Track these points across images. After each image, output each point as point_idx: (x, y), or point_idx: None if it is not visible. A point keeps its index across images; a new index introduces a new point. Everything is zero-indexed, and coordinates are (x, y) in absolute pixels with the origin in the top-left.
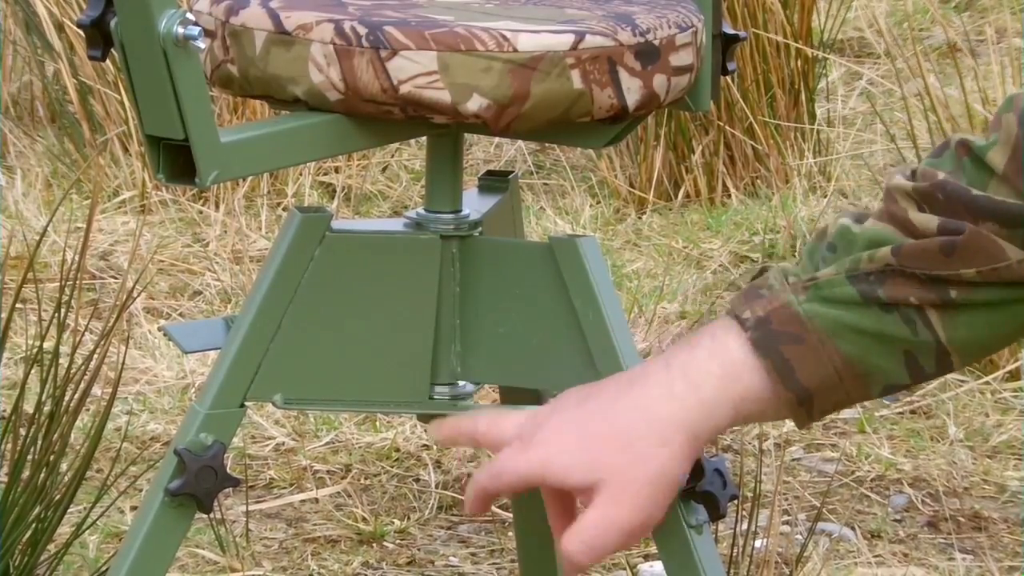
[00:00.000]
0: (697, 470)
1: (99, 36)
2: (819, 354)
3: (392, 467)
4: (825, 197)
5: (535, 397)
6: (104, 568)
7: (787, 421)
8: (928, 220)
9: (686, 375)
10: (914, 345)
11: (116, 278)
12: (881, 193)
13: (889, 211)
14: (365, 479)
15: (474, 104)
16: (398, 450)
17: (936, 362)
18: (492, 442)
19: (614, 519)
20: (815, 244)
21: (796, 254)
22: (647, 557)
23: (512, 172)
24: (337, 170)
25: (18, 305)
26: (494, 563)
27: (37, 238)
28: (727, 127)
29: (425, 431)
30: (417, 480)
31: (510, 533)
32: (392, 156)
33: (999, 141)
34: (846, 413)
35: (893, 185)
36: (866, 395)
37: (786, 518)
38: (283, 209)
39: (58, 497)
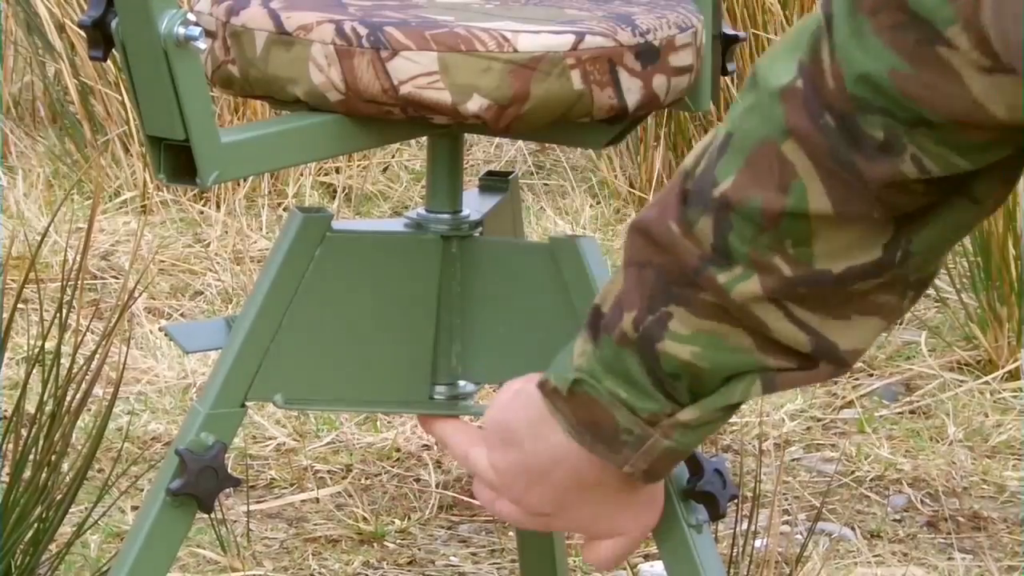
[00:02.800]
0: (697, 469)
1: (100, 36)
2: (682, 456)
3: (393, 467)
4: None
5: None
6: (105, 568)
7: (787, 422)
8: (797, 335)
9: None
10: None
11: (117, 278)
12: None
13: (713, 309)
14: (366, 479)
15: (474, 104)
16: (399, 450)
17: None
18: (470, 468)
19: (625, 545)
20: (635, 364)
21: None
22: (647, 557)
23: (512, 172)
24: (338, 170)
25: (20, 305)
26: (494, 563)
27: (38, 238)
28: None
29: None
30: (417, 480)
31: (510, 533)
32: (392, 156)
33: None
34: (846, 413)
35: (732, 291)
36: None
37: (786, 518)
38: (284, 209)
39: (59, 497)
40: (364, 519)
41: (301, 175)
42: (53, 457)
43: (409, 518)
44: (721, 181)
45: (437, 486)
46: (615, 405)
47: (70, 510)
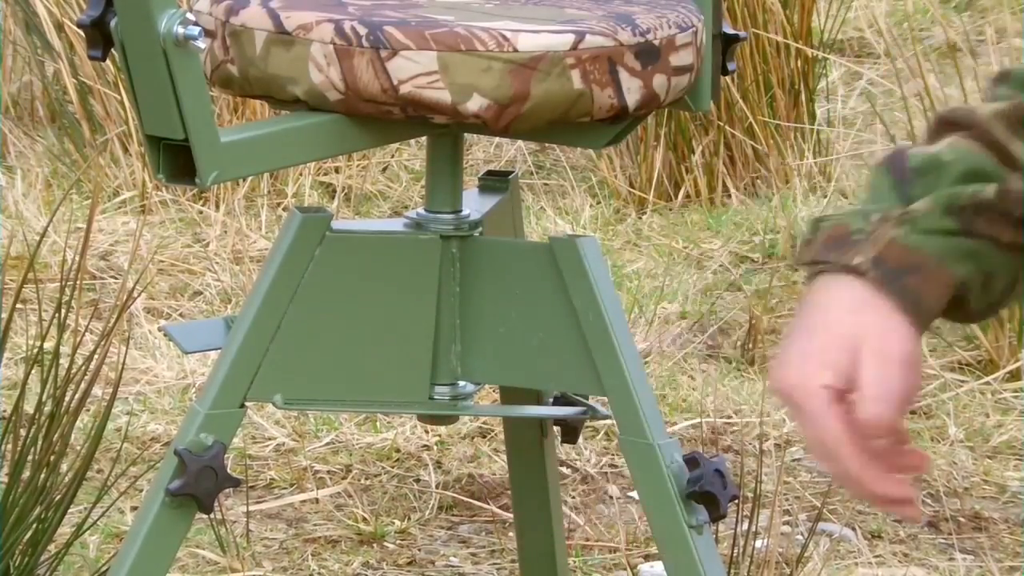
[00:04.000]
0: (697, 469)
1: (99, 36)
2: (941, 277)
3: (392, 467)
4: (825, 197)
5: (535, 397)
6: (104, 568)
7: (788, 422)
8: None
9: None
10: (1000, 268)
11: (116, 278)
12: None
13: (980, 134)
14: (365, 479)
15: (474, 104)
16: (398, 450)
17: (1008, 285)
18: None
19: (885, 364)
20: (882, 175)
21: (796, 254)
22: (647, 557)
23: (512, 172)
24: (337, 170)
25: (18, 305)
26: (494, 563)
27: (37, 238)
28: (727, 127)
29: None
30: (417, 480)
31: (510, 533)
32: (392, 156)
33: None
34: None
35: (978, 111)
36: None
37: (787, 518)
38: (283, 209)
39: (58, 497)
40: (364, 519)
41: (301, 175)
42: (52, 457)
43: (409, 518)
44: None
45: (437, 486)
46: (851, 216)
47: (69, 510)
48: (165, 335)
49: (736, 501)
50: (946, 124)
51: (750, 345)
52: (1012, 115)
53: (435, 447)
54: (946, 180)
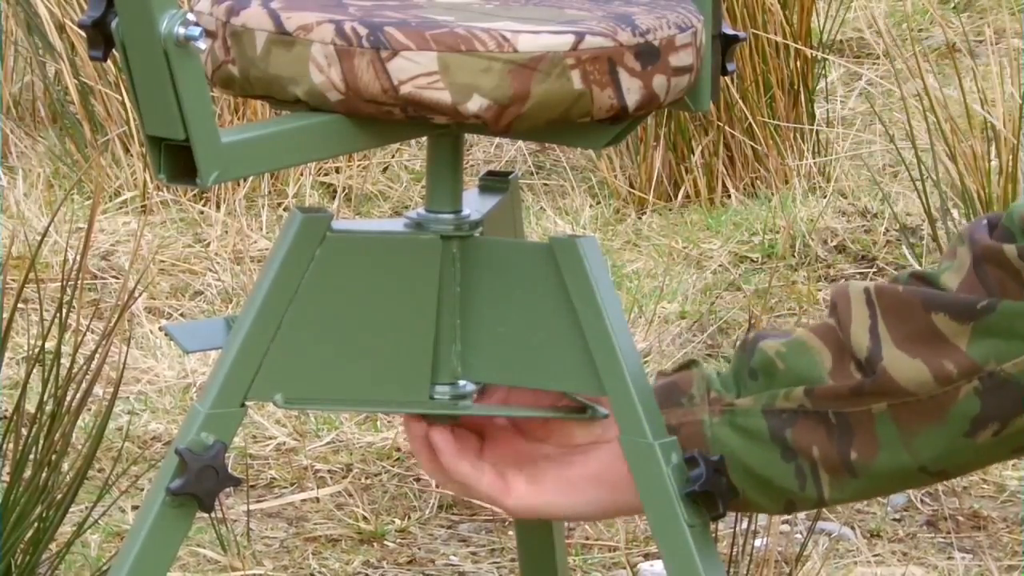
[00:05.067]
0: (697, 469)
1: (100, 36)
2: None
3: (393, 467)
4: (825, 197)
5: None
6: (105, 567)
7: None
8: (862, 342)
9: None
10: (797, 496)
11: (117, 278)
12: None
13: (824, 329)
14: (366, 479)
15: (474, 104)
16: (399, 450)
17: (809, 509)
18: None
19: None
20: (742, 358)
21: (795, 255)
22: (647, 556)
23: (512, 172)
24: (338, 170)
25: (20, 305)
26: (494, 563)
27: (39, 238)
28: (727, 127)
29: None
30: (417, 480)
31: (510, 533)
32: (392, 156)
33: (952, 268)
34: None
35: (853, 284)
36: (742, 509)
37: (786, 517)
38: (284, 209)
39: (60, 496)
40: (364, 519)
41: (301, 175)
42: (53, 457)
43: (409, 518)
44: None
45: (437, 486)
46: (700, 379)
47: (70, 510)
48: (166, 335)
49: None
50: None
51: None
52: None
53: None
54: (774, 381)
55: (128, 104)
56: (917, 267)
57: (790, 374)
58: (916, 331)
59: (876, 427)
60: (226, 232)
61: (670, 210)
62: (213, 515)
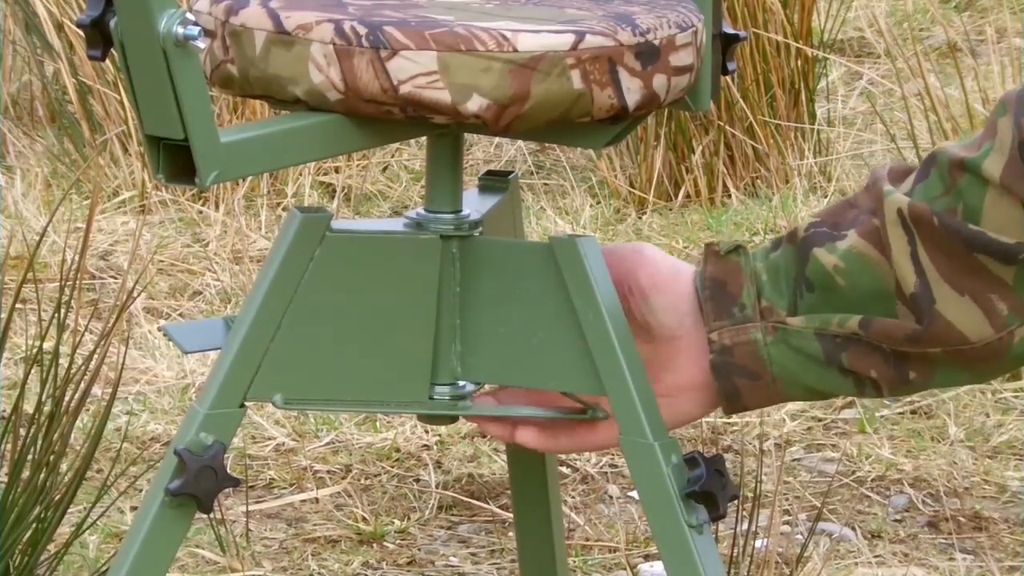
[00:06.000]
0: (697, 469)
1: (99, 36)
2: (769, 391)
3: (392, 467)
4: (825, 197)
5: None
6: (104, 568)
7: (788, 422)
8: (908, 273)
9: None
10: (857, 396)
11: (116, 278)
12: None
13: (876, 235)
14: (365, 479)
15: (474, 104)
16: (398, 450)
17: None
18: None
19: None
20: (794, 260)
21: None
22: (647, 557)
23: (512, 172)
24: (337, 170)
25: (18, 305)
26: (494, 563)
27: (37, 238)
28: (727, 127)
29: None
30: (417, 480)
31: (510, 533)
32: (392, 156)
33: (994, 148)
34: (847, 413)
35: (888, 199)
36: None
37: (786, 518)
38: (283, 209)
39: (58, 497)
40: (364, 519)
41: (300, 175)
42: (52, 457)
43: (409, 518)
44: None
45: (437, 486)
46: (751, 280)
47: (69, 510)
48: (165, 335)
49: (736, 501)
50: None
51: None
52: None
53: (435, 447)
54: (830, 305)
55: (127, 104)
56: (947, 145)
57: (849, 296)
58: (961, 267)
59: (933, 362)
60: (225, 232)
61: (670, 210)
62: (212, 516)
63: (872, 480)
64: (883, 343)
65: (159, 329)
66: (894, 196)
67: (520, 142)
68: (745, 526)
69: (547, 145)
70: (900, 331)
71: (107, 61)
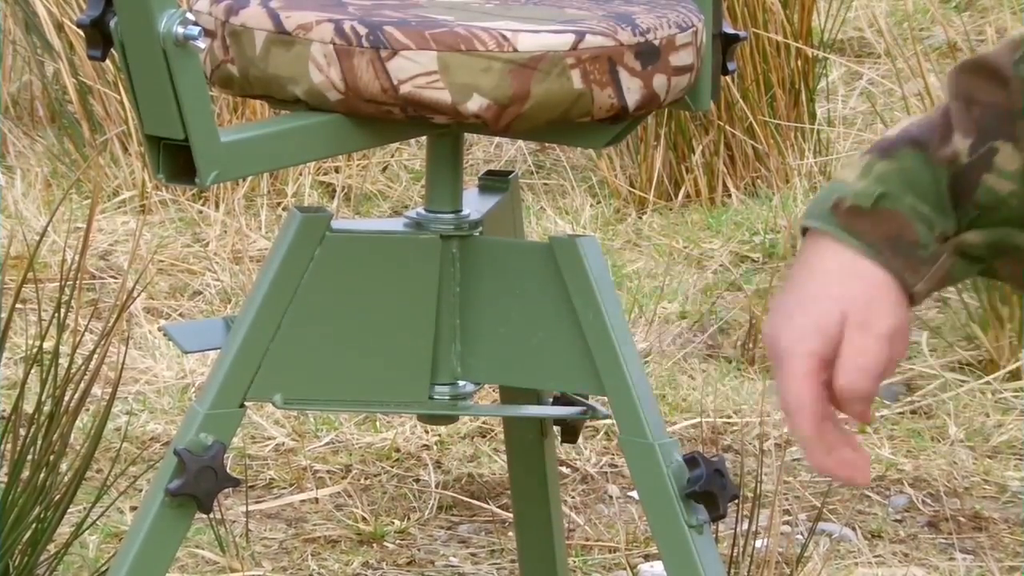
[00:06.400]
0: (697, 469)
1: (99, 36)
2: (946, 284)
3: (392, 467)
4: None
5: (535, 397)
6: (104, 568)
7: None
8: None
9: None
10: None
11: (116, 278)
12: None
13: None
14: (365, 479)
15: (474, 104)
16: (398, 450)
17: None
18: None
19: (867, 335)
20: (942, 176)
21: (796, 254)
22: (647, 557)
23: (512, 172)
24: (337, 170)
25: (18, 305)
26: (494, 563)
27: (37, 238)
28: (727, 127)
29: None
30: (417, 480)
31: (510, 533)
32: (392, 156)
33: None
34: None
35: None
36: None
37: (786, 518)
38: (283, 209)
39: (58, 497)
40: (363, 519)
41: (300, 175)
42: (51, 457)
43: (409, 518)
44: None
45: (437, 486)
46: (917, 219)
47: (68, 510)
48: (165, 335)
49: (736, 501)
50: (977, 81)
51: (750, 345)
52: None
53: (435, 447)
54: (1001, 222)
55: (127, 103)
56: None
57: (1019, 212)
58: None
59: None
60: (225, 232)
61: (670, 210)
62: (212, 516)
63: (872, 480)
64: None
65: (159, 329)
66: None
67: (520, 142)
68: (745, 526)
69: (547, 145)
70: None
71: (107, 61)
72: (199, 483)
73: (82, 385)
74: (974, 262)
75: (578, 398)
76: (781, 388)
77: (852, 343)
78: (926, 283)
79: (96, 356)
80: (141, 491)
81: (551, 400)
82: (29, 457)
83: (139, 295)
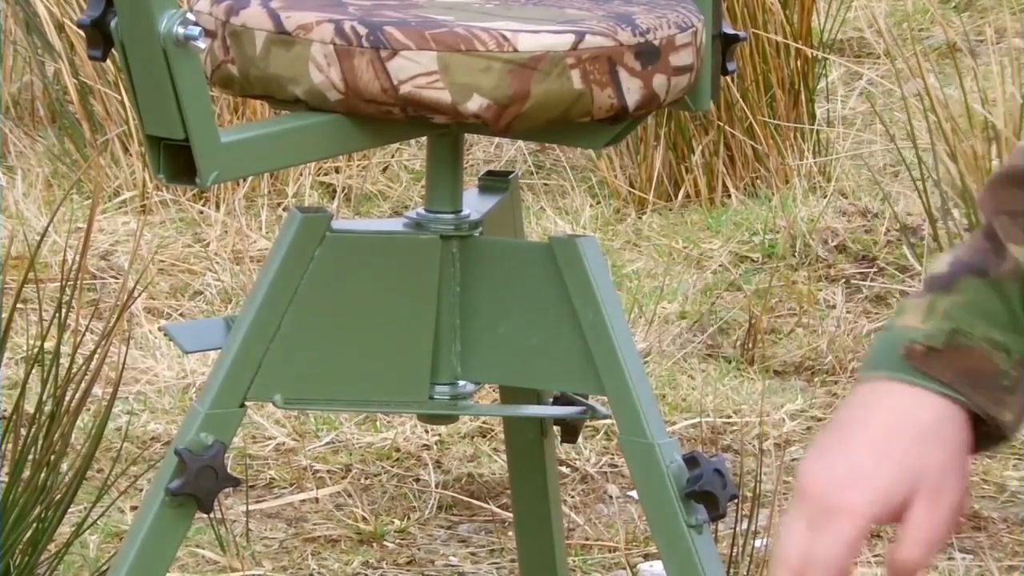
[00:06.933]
0: (696, 468)
1: (99, 36)
2: None
3: (392, 467)
4: (825, 197)
5: (535, 397)
6: (104, 568)
7: (787, 422)
8: None
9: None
10: None
11: (117, 278)
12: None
13: None
14: (365, 479)
15: (474, 104)
16: (398, 450)
17: None
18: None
19: (938, 508)
20: (1012, 288)
21: (795, 254)
22: (647, 557)
23: (512, 172)
24: (337, 170)
25: (19, 305)
26: (494, 563)
27: (38, 238)
28: (727, 127)
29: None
30: (417, 480)
31: (510, 533)
32: (392, 156)
33: None
34: None
35: None
36: None
37: None
38: (283, 209)
39: (59, 497)
40: (364, 519)
41: (301, 175)
42: (52, 457)
43: (409, 518)
44: None
45: (437, 486)
46: (994, 347)
47: (69, 510)
48: (165, 335)
49: (735, 500)
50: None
51: (750, 345)
52: None
53: (435, 447)
54: None
55: (127, 104)
56: None
57: None
58: None
59: None
60: (226, 232)
61: (670, 210)
62: (212, 515)
63: None
64: None
65: (160, 329)
66: None
67: (520, 142)
68: (744, 526)
69: (547, 145)
70: None
71: (108, 61)
72: (199, 483)
73: (83, 385)
74: None
75: (578, 398)
76: (817, 542)
77: (922, 517)
78: (1013, 411)
79: (97, 356)
80: (142, 491)
81: (551, 400)
82: (30, 457)
83: (140, 295)
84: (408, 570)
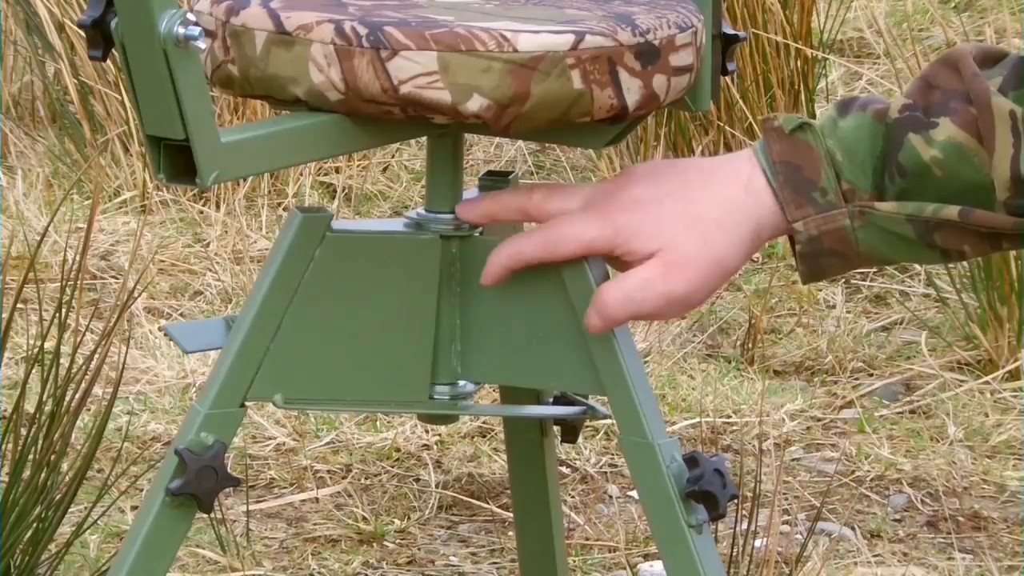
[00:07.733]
0: (696, 468)
1: (100, 36)
2: (851, 265)
3: (392, 467)
4: None
5: (535, 397)
6: (105, 568)
7: (787, 421)
8: (1003, 172)
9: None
10: (941, 263)
11: (117, 278)
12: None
13: (974, 126)
14: (365, 479)
15: (474, 104)
16: (398, 450)
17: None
18: (548, 212)
19: (661, 282)
20: (882, 142)
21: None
22: (647, 557)
23: (512, 172)
24: (337, 170)
25: (19, 305)
26: (494, 563)
27: (38, 238)
28: (727, 127)
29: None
30: (417, 480)
31: (510, 533)
32: (392, 156)
33: None
34: (846, 413)
35: (996, 100)
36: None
37: (786, 518)
38: (284, 209)
39: (59, 497)
40: (364, 519)
41: (301, 175)
42: (52, 457)
43: (409, 518)
44: None
45: (437, 486)
46: (826, 162)
47: (69, 510)
48: (165, 335)
49: (735, 500)
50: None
51: (750, 345)
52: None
53: (435, 447)
54: (925, 195)
55: (128, 104)
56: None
57: (946, 187)
58: None
59: None
60: (226, 232)
61: None
62: (212, 515)
63: (871, 480)
64: (982, 229)
65: (160, 329)
66: (1002, 100)
67: (520, 142)
68: (745, 526)
69: (547, 145)
70: (1006, 222)
71: (108, 61)
72: (200, 483)
73: (83, 385)
74: (898, 238)
75: (578, 398)
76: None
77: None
78: (810, 229)
79: (97, 356)
80: (142, 491)
81: (551, 400)
82: (30, 457)
83: (140, 295)
84: (408, 570)
